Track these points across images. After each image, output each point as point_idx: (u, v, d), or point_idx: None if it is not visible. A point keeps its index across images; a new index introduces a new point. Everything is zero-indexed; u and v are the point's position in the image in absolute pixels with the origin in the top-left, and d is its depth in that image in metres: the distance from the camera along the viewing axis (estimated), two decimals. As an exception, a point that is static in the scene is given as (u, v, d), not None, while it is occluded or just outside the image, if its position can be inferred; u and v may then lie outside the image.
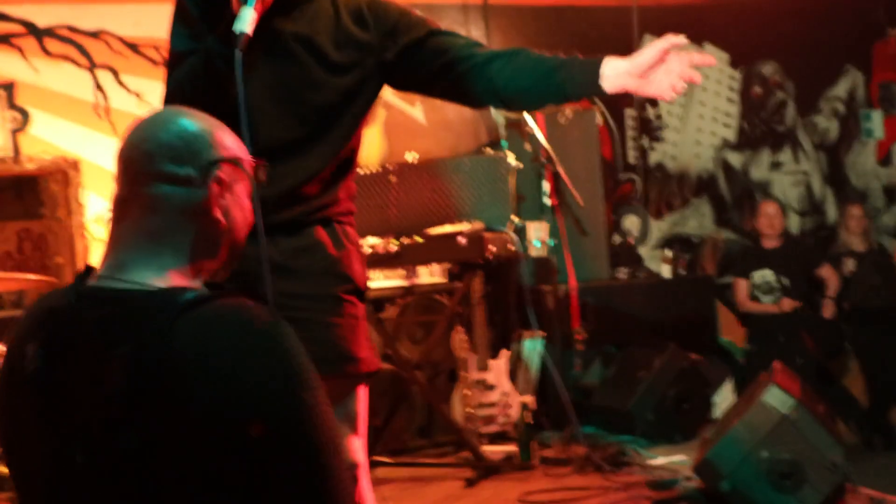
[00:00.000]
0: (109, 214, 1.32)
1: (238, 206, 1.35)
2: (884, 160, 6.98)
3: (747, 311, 5.77)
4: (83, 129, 5.01)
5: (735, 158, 6.63)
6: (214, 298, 1.21)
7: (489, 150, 4.81)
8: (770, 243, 5.83)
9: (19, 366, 1.25)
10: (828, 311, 5.76)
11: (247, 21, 1.87)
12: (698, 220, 6.51)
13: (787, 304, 5.60)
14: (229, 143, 1.35)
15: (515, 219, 4.49)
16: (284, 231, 1.97)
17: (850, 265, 6.02)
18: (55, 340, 1.23)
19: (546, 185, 4.75)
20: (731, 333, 5.99)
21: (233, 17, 1.87)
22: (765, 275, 5.73)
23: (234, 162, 1.35)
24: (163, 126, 1.30)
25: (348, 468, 1.31)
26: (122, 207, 1.29)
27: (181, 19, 2.02)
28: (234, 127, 1.82)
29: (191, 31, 2.00)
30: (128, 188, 1.28)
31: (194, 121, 1.32)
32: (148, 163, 1.27)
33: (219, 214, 1.30)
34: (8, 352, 1.30)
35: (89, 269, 1.32)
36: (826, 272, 5.82)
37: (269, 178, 1.51)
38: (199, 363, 1.14)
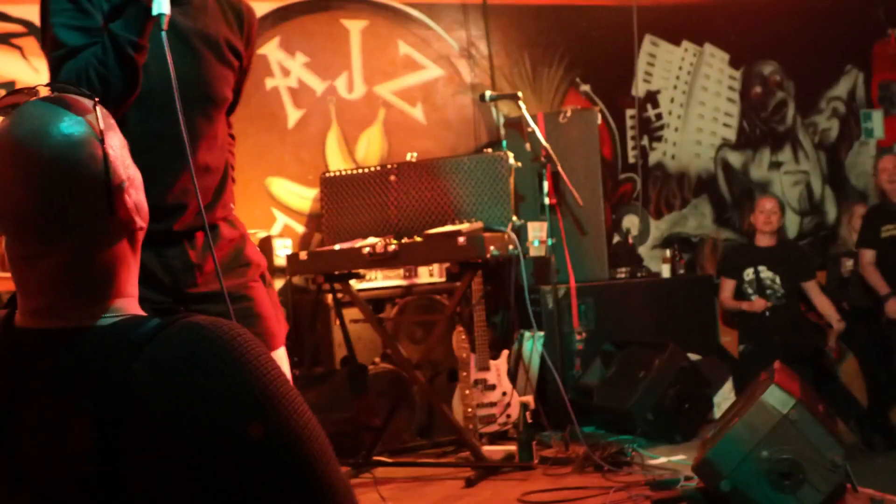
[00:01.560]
0: (11, 265, 1.17)
1: (140, 188, 1.22)
2: (884, 160, 6.97)
3: (727, 309, 5.76)
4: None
5: (735, 158, 6.63)
6: (165, 327, 1.11)
7: (489, 150, 4.81)
8: (764, 241, 5.81)
9: None
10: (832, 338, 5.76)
11: (165, 2, 1.90)
12: (698, 219, 6.51)
13: (759, 305, 5.58)
14: (112, 138, 1.18)
15: (515, 219, 4.49)
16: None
17: (849, 265, 6.02)
18: (5, 393, 1.13)
19: (546, 185, 4.74)
20: (729, 334, 5.99)
21: (135, 2, 1.90)
22: (757, 272, 5.71)
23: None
24: (42, 165, 1.11)
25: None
26: (34, 263, 1.14)
27: (73, 11, 1.97)
28: (152, 111, 1.98)
29: (85, 23, 1.96)
30: (35, 245, 1.13)
31: (73, 136, 1.13)
32: (45, 220, 1.12)
33: (138, 221, 1.19)
34: None
35: (13, 304, 1.20)
36: (811, 286, 5.79)
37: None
38: (163, 405, 1.06)
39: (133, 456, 1.06)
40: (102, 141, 1.15)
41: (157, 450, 1.06)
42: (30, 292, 1.16)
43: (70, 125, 1.13)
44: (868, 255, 5.73)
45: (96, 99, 1.18)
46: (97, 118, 1.16)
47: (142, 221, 1.20)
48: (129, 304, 1.19)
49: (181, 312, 1.15)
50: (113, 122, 1.20)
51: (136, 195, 1.19)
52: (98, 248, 1.15)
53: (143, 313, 1.19)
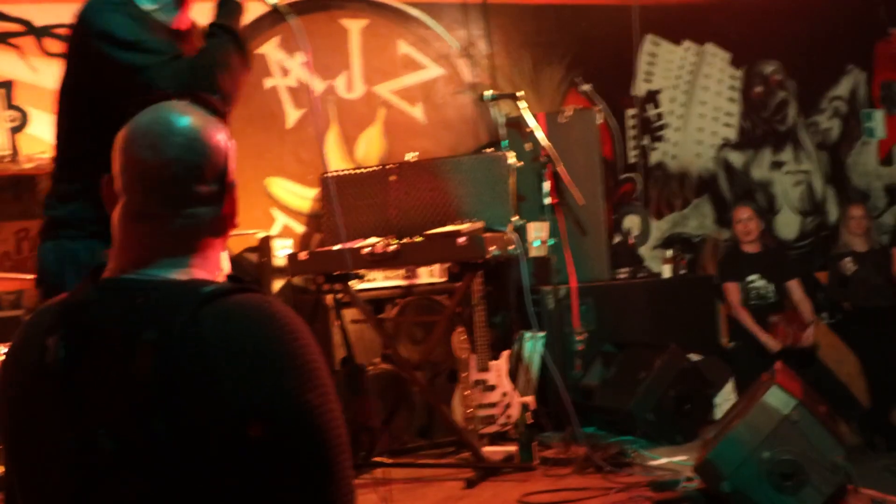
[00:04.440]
0: (117, 217, 1.32)
1: (235, 194, 1.38)
2: (885, 160, 6.96)
3: (737, 318, 5.74)
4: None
5: (736, 158, 6.62)
6: (236, 291, 1.25)
7: (489, 150, 4.79)
8: (749, 248, 5.84)
9: (37, 359, 1.25)
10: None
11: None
12: (699, 219, 6.50)
13: (773, 345, 5.58)
14: (222, 137, 1.35)
15: (515, 219, 4.48)
16: None
17: (851, 265, 6.01)
18: (78, 332, 1.24)
19: (546, 185, 4.73)
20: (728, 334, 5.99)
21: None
22: (754, 279, 5.73)
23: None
24: (177, 136, 1.29)
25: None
26: (145, 220, 1.30)
27: (149, 27, 2.28)
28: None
29: (163, 36, 2.29)
30: (157, 208, 1.29)
31: (200, 124, 1.32)
32: (175, 186, 1.29)
33: (237, 218, 1.36)
34: (19, 347, 1.31)
35: (99, 269, 1.33)
36: (793, 285, 5.79)
37: None
38: (222, 352, 1.18)
39: (187, 395, 1.16)
40: (230, 138, 1.35)
41: (208, 393, 1.17)
42: (123, 251, 1.30)
43: (208, 121, 1.34)
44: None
45: (220, 108, 1.38)
46: (224, 122, 1.37)
47: (238, 222, 1.37)
48: (205, 274, 1.32)
49: (251, 284, 1.31)
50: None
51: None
52: (202, 227, 1.31)
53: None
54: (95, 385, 1.21)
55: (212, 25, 2.43)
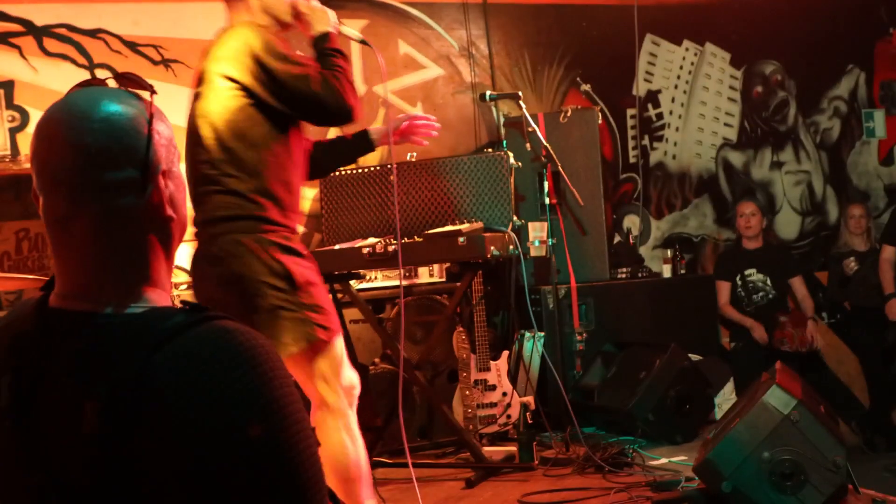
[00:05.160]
0: (49, 231, 1.21)
1: (180, 188, 1.26)
2: (885, 160, 6.96)
3: (724, 315, 5.78)
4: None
5: (736, 158, 6.62)
6: (195, 324, 1.14)
7: (489, 150, 4.79)
8: (751, 244, 5.85)
9: None
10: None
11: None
12: (699, 219, 6.50)
13: (760, 335, 5.61)
14: (160, 125, 1.23)
15: (516, 219, 4.48)
16: None
17: (853, 265, 6.02)
18: (27, 374, 1.16)
19: (546, 185, 4.73)
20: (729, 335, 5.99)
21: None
22: (751, 274, 5.74)
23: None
24: (86, 122, 1.17)
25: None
26: (65, 225, 1.18)
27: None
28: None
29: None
30: (66, 205, 1.17)
31: (120, 106, 1.19)
32: (83, 175, 1.16)
33: (169, 210, 1.22)
34: None
35: (51, 284, 1.24)
36: (795, 282, 5.81)
37: None
38: (180, 401, 1.09)
39: (141, 446, 1.08)
40: (150, 122, 1.20)
41: (164, 443, 1.08)
42: (64, 270, 1.19)
43: (124, 101, 1.20)
44: (889, 251, 5.74)
45: (152, 89, 1.24)
46: (150, 105, 1.22)
47: (173, 213, 1.23)
48: (160, 296, 1.21)
49: (209, 311, 1.17)
50: (165, 116, 1.25)
51: (172, 188, 1.23)
52: (126, 221, 1.19)
53: (172, 305, 1.21)
54: (45, 433, 1.14)
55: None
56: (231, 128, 2.61)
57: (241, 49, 2.60)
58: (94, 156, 1.16)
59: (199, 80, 2.67)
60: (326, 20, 2.78)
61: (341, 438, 2.67)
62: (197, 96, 2.68)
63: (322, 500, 1.16)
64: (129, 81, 1.24)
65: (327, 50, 2.74)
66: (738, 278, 5.80)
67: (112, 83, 1.25)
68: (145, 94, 1.24)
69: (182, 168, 1.28)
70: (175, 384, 1.09)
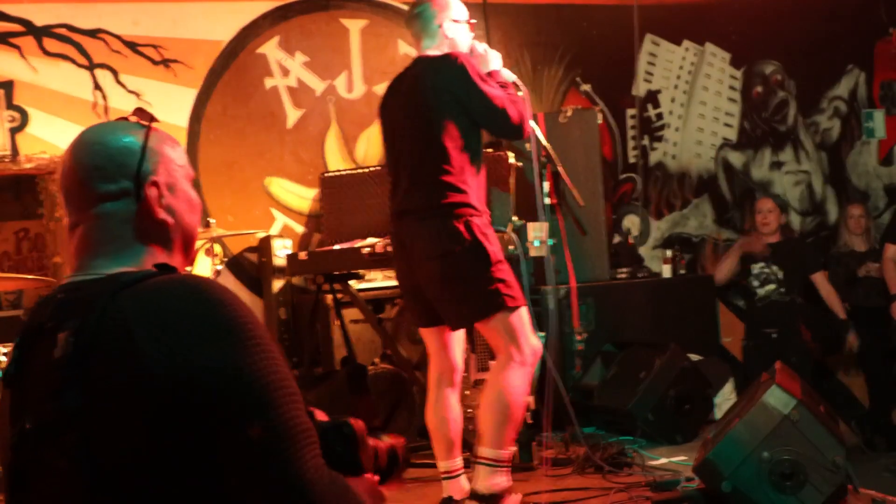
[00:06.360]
0: (67, 239, 1.41)
1: (184, 200, 1.43)
2: (885, 160, 6.96)
3: (719, 280, 5.78)
4: (82, 129, 5.00)
5: (736, 158, 6.62)
6: (157, 274, 1.30)
7: (489, 150, 4.79)
8: (768, 239, 5.83)
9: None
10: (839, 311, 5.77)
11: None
12: (699, 219, 6.50)
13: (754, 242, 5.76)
14: (165, 148, 1.43)
15: (515, 219, 4.47)
16: None
17: (852, 265, 6.01)
18: (27, 333, 1.33)
19: (546, 185, 4.73)
20: (732, 333, 5.98)
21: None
22: (763, 265, 5.73)
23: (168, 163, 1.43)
24: (89, 148, 1.40)
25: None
26: (73, 231, 1.40)
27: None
28: None
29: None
30: (75, 215, 1.40)
31: (122, 135, 1.41)
32: (83, 189, 1.38)
33: (162, 214, 1.39)
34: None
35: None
36: (818, 278, 5.81)
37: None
38: (143, 326, 1.21)
39: (101, 369, 1.21)
40: (145, 142, 1.40)
41: (123, 365, 1.20)
42: (72, 266, 1.39)
43: (124, 130, 1.42)
44: (892, 250, 5.74)
45: (152, 118, 1.45)
46: (150, 129, 1.42)
47: (167, 217, 1.39)
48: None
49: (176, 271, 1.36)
50: (176, 143, 1.46)
51: (170, 197, 1.40)
52: (120, 223, 1.36)
53: None
54: (30, 381, 1.29)
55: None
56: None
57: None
58: (91, 171, 1.38)
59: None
60: (498, 62, 3.43)
61: (516, 382, 3.17)
62: None
63: (288, 410, 1.23)
64: (140, 114, 1.46)
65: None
66: (753, 268, 5.77)
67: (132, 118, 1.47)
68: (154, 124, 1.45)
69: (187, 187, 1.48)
70: (137, 312, 1.22)
